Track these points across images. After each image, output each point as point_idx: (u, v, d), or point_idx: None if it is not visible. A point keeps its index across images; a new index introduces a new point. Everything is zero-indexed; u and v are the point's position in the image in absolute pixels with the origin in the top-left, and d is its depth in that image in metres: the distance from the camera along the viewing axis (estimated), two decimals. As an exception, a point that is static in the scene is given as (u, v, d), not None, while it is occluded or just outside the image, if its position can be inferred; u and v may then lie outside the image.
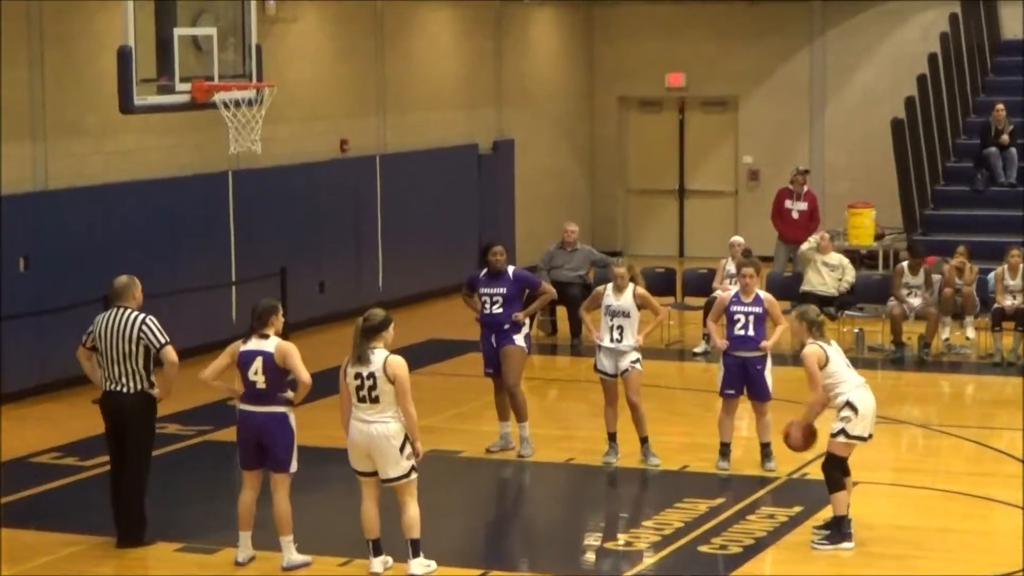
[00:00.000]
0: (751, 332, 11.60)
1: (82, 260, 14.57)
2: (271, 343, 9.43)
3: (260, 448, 9.52)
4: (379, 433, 9.11)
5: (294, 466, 9.55)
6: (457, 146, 20.56)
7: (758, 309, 11.62)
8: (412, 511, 9.27)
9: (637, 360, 11.81)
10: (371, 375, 9.06)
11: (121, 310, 9.91)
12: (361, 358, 9.10)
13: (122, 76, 10.39)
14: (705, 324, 16.54)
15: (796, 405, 12.76)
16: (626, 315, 11.75)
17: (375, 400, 9.09)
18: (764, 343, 11.62)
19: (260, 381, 9.39)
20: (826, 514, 10.21)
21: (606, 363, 11.89)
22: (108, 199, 15.10)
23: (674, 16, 23.25)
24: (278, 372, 9.41)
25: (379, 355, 9.11)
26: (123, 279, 10.06)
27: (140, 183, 15.52)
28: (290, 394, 9.51)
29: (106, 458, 10.36)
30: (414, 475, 9.25)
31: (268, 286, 15.75)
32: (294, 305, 16.28)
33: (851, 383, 9.96)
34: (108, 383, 9.93)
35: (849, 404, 9.90)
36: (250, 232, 16.80)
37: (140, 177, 15.57)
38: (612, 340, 11.78)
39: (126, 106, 10.57)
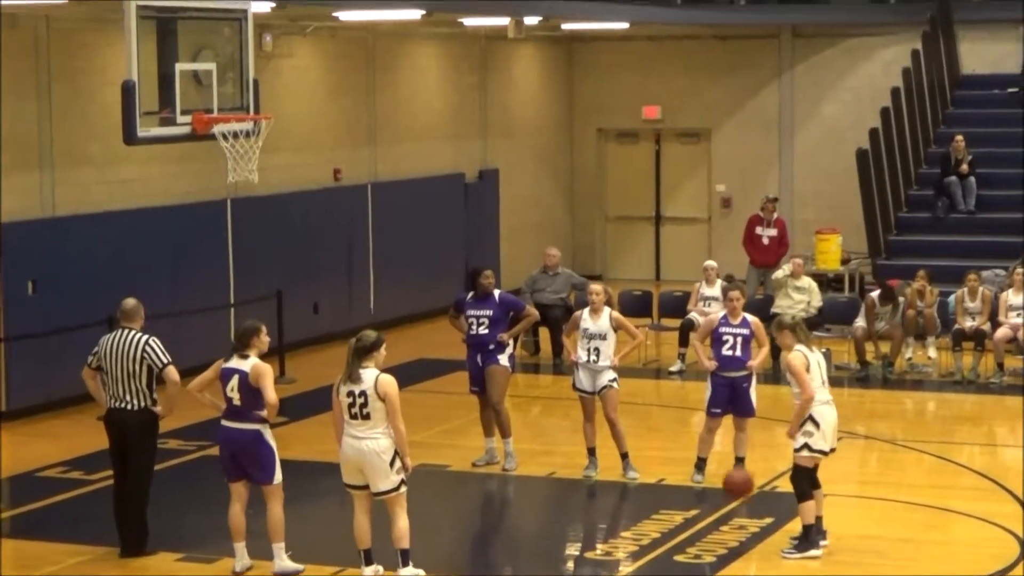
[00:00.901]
0: (738, 353, 11.72)
1: (87, 284, 14.66)
2: (249, 363, 9.54)
3: (236, 461, 9.65)
4: (370, 449, 9.19)
5: (278, 477, 9.63)
6: (444, 175, 20.63)
7: (745, 331, 11.75)
8: (402, 523, 9.36)
9: (614, 379, 11.94)
10: (362, 393, 9.14)
11: (126, 331, 10.02)
12: (353, 377, 9.17)
13: (126, 109, 10.42)
14: (680, 344, 16.80)
15: (772, 422, 13.03)
16: (603, 338, 11.90)
17: (366, 417, 9.16)
18: (751, 363, 11.74)
19: (236, 398, 9.53)
20: (798, 525, 10.36)
21: (584, 381, 12.00)
22: (112, 225, 15.20)
23: (650, 52, 23.33)
24: (252, 391, 9.50)
25: (370, 374, 9.19)
26: (131, 301, 10.17)
27: (142, 210, 15.64)
28: (264, 412, 9.56)
29: (110, 472, 10.44)
30: (404, 488, 9.34)
31: (265, 308, 15.72)
32: (290, 326, 16.38)
33: (818, 398, 10.12)
34: (113, 400, 10.03)
35: (812, 419, 10.07)
36: (247, 257, 16.85)
37: (142, 205, 15.69)
38: (589, 360, 11.95)
39: (129, 137, 10.60)
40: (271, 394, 9.51)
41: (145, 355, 9.97)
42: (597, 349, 11.95)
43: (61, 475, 12.44)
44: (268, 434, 9.67)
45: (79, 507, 11.60)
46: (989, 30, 22.04)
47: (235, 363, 9.63)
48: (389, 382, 9.24)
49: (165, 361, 10.01)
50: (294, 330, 16.87)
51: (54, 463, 12.79)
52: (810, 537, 10.21)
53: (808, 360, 10.19)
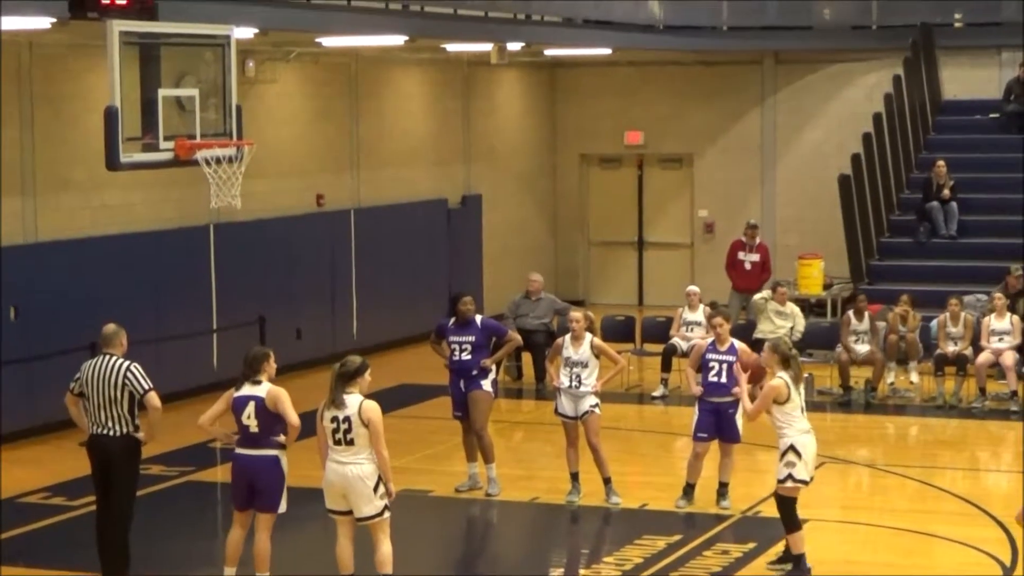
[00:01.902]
0: (724, 379, 11.77)
1: (70, 309, 14.62)
2: (263, 388, 9.50)
3: (252, 489, 9.57)
4: (354, 474, 9.20)
5: (283, 507, 9.60)
6: (427, 201, 20.67)
7: (731, 358, 11.78)
8: (385, 548, 9.36)
9: (596, 404, 11.96)
10: (347, 419, 9.15)
11: (108, 357, 9.95)
12: (337, 402, 9.19)
13: (108, 134, 10.39)
14: (663, 369, 16.83)
15: (757, 447, 13.07)
16: (583, 365, 11.93)
17: (350, 443, 9.17)
18: (736, 389, 11.67)
19: (253, 425, 9.47)
20: (778, 548, 10.49)
21: (566, 406, 12.04)
22: (95, 251, 15.20)
23: (632, 78, 23.44)
24: (270, 416, 9.45)
25: (354, 400, 9.20)
26: (111, 327, 10.09)
27: (125, 236, 15.65)
28: (282, 437, 9.52)
29: (93, 498, 10.32)
30: (387, 514, 9.33)
31: (248, 334, 15.76)
32: (272, 351, 16.75)
33: (798, 428, 10.16)
34: (95, 427, 9.96)
35: (793, 449, 10.11)
36: (230, 282, 16.84)
37: (125, 230, 15.70)
38: (571, 385, 11.98)
39: (112, 163, 10.56)
40: (293, 416, 9.47)
41: (127, 381, 9.90)
42: (579, 376, 11.99)
43: (43, 501, 12.44)
44: (284, 461, 9.62)
45: (62, 533, 11.58)
46: (970, 56, 22.18)
47: (248, 390, 9.55)
48: (373, 408, 9.24)
49: (147, 387, 9.93)
50: (277, 356, 16.50)
51: (37, 489, 12.77)
52: (802, 565, 10.24)
53: (789, 391, 10.18)
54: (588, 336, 12.05)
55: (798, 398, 10.22)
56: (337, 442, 9.25)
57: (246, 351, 9.85)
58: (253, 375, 9.60)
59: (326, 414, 9.28)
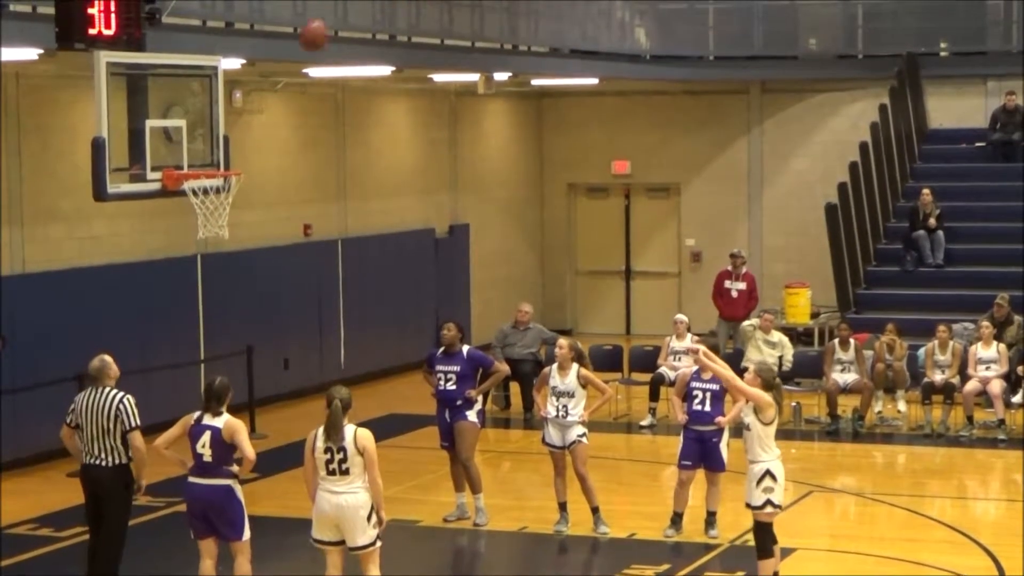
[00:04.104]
0: (707, 408, 11.79)
1: (57, 340, 14.62)
2: (221, 420, 9.56)
3: (207, 520, 9.60)
4: (348, 504, 9.22)
5: (247, 534, 9.63)
6: (415, 230, 20.70)
7: (715, 386, 11.73)
8: None
9: (583, 434, 11.98)
10: (341, 448, 9.18)
11: (102, 388, 10.06)
12: (333, 433, 9.21)
13: (96, 165, 10.32)
14: (651, 399, 16.87)
15: (743, 475, 13.15)
16: (570, 395, 11.94)
17: (345, 472, 9.19)
18: (720, 419, 11.77)
19: (207, 454, 9.52)
20: None
21: (554, 436, 12.06)
22: (82, 282, 15.18)
23: (619, 107, 23.53)
24: (225, 447, 9.52)
25: (348, 429, 9.24)
26: (95, 363, 10.18)
27: (112, 266, 15.66)
28: (235, 468, 9.58)
29: (80, 529, 10.43)
30: (379, 543, 9.35)
31: (235, 364, 15.74)
32: (260, 381, 16.36)
33: (774, 454, 10.22)
34: (88, 457, 10.05)
35: (770, 474, 10.16)
36: (218, 312, 16.85)
37: (112, 261, 15.72)
38: (558, 415, 11.99)
39: (100, 194, 10.49)
40: (249, 450, 9.54)
41: (119, 412, 10.01)
42: (565, 405, 12.01)
43: (31, 532, 12.41)
44: (238, 490, 9.66)
45: (49, 564, 11.55)
46: (955, 85, 22.30)
47: (207, 420, 9.62)
48: (367, 436, 9.30)
49: (133, 424, 10.03)
50: (264, 386, 16.85)
51: (23, 520, 12.74)
52: None
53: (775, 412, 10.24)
54: (575, 366, 12.07)
55: (775, 425, 10.27)
56: (331, 472, 9.26)
57: (208, 382, 9.87)
58: (218, 406, 9.65)
59: (319, 445, 9.29)
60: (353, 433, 9.27)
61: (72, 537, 11.77)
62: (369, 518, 9.28)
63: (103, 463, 10.03)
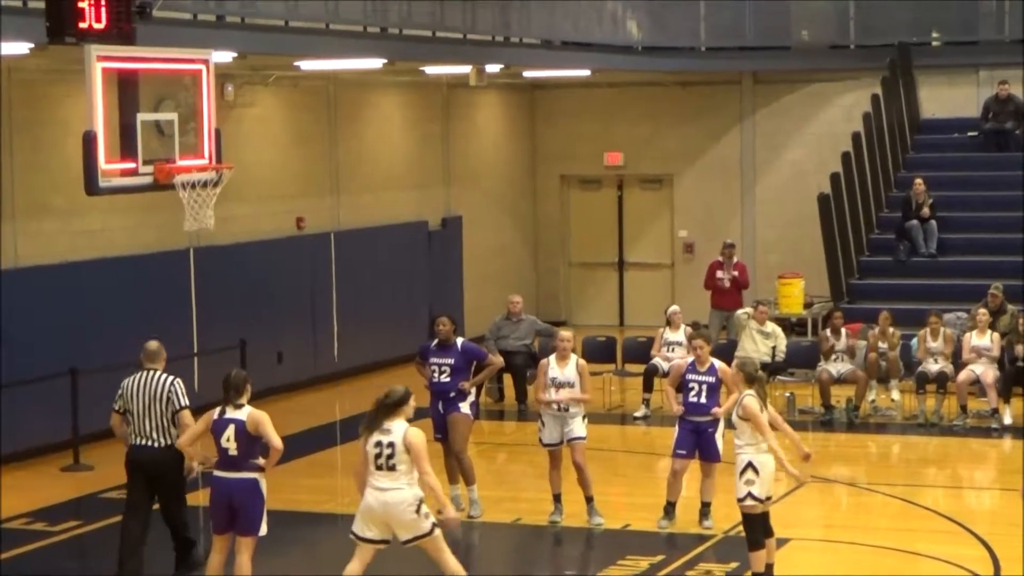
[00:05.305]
0: (703, 399, 11.82)
1: (50, 335, 14.65)
2: (244, 412, 9.60)
3: (231, 512, 9.62)
4: (395, 500, 9.19)
5: (263, 530, 9.67)
6: (408, 223, 20.67)
7: (711, 378, 11.82)
8: (452, 565, 9.38)
9: (583, 437, 11.99)
10: (391, 444, 9.16)
11: (151, 372, 10.47)
12: (381, 427, 9.21)
13: (87, 159, 10.34)
14: (645, 390, 16.88)
15: None
16: (570, 386, 11.96)
17: (392, 468, 9.17)
18: (716, 410, 11.80)
19: (232, 448, 9.54)
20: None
21: (552, 433, 12.06)
22: (75, 276, 15.18)
23: (612, 99, 23.52)
24: (250, 439, 9.54)
25: (399, 426, 9.23)
26: (154, 344, 10.68)
27: (105, 260, 15.64)
28: (261, 460, 9.61)
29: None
30: (437, 531, 9.31)
31: (228, 358, 15.75)
32: (253, 375, 15.37)
33: (759, 447, 10.23)
34: (139, 438, 10.39)
35: (751, 467, 10.18)
36: (211, 306, 16.80)
37: (105, 255, 15.70)
38: (559, 408, 12.00)
39: (91, 188, 10.51)
40: (276, 440, 9.58)
41: (170, 394, 10.38)
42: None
43: (25, 527, 12.38)
44: (263, 483, 9.70)
45: (44, 558, 11.56)
46: (948, 75, 22.30)
47: (229, 413, 9.66)
48: (416, 433, 9.30)
49: (183, 404, 10.40)
50: (258, 379, 15.98)
51: (17, 515, 12.70)
52: None
53: (760, 405, 10.29)
54: (574, 356, 12.10)
55: (763, 418, 10.28)
56: (379, 467, 9.24)
57: (226, 374, 9.94)
58: (236, 398, 9.71)
59: (371, 439, 9.28)
60: (404, 430, 9.24)
61: (66, 531, 11.76)
62: (419, 511, 9.25)
63: (155, 444, 10.34)
